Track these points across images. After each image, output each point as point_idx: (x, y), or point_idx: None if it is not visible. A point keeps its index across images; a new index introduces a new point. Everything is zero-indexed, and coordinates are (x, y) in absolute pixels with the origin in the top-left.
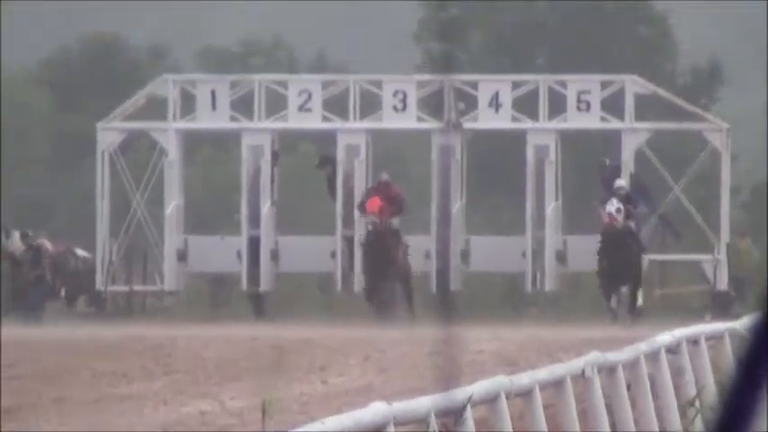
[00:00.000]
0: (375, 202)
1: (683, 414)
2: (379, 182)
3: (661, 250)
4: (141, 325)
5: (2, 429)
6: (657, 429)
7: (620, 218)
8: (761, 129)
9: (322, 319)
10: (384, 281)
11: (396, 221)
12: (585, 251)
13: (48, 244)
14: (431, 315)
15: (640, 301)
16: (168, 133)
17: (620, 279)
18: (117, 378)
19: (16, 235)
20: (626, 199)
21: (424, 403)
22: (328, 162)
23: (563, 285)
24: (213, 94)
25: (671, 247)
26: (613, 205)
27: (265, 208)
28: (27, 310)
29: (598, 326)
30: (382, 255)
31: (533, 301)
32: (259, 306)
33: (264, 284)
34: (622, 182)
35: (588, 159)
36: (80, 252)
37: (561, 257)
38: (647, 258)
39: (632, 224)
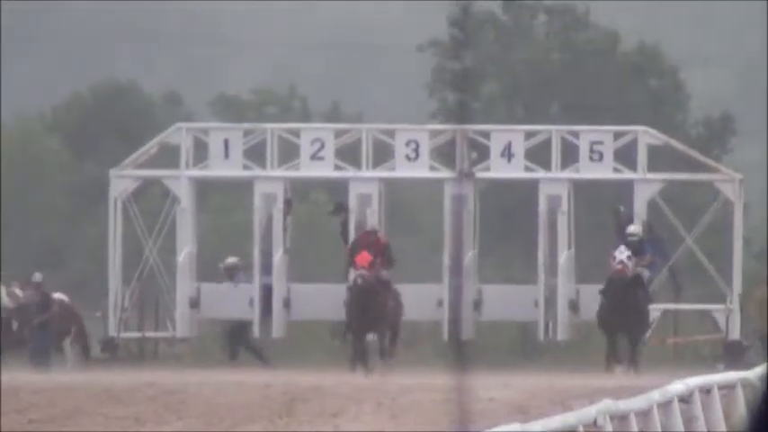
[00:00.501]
0: (365, 257)
1: None
2: (365, 232)
3: (674, 300)
4: (153, 371)
5: None
6: None
7: (631, 266)
8: None
9: (334, 366)
10: (372, 333)
11: (386, 273)
12: (598, 300)
13: (18, 291)
14: (443, 363)
15: (636, 349)
16: (181, 181)
17: (622, 327)
18: (129, 422)
19: (3, 289)
20: (638, 247)
21: None
22: (342, 209)
23: (575, 334)
24: (226, 142)
25: (678, 297)
26: (623, 253)
27: (278, 256)
28: (36, 355)
29: (611, 375)
30: (373, 309)
31: (545, 350)
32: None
33: (277, 332)
34: (635, 228)
35: (601, 209)
36: (57, 296)
37: (574, 306)
38: (658, 308)
39: (646, 272)
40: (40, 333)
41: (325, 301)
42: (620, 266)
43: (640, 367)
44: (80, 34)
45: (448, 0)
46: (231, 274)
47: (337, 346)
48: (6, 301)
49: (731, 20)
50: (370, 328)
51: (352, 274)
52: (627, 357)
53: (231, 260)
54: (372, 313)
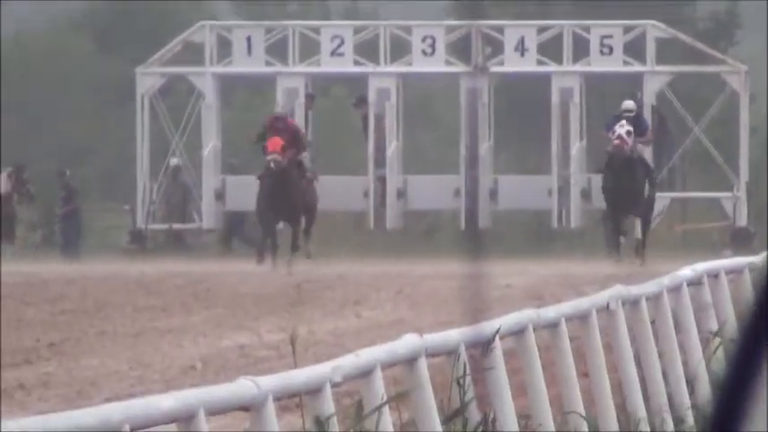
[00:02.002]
0: (276, 141)
1: (705, 346)
2: (274, 116)
3: (683, 188)
4: (181, 262)
5: (50, 362)
6: (680, 361)
7: (631, 141)
8: None
9: (357, 255)
10: (287, 219)
11: (301, 157)
12: None
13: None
14: (461, 251)
15: (644, 233)
16: (205, 78)
17: (626, 208)
18: (157, 312)
19: (3, 174)
20: (636, 123)
21: (454, 336)
22: (364, 102)
23: (588, 222)
24: (249, 40)
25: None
26: (623, 127)
27: None
28: (65, 246)
29: (626, 260)
30: (286, 193)
31: (559, 238)
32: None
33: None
34: (631, 103)
35: (611, 101)
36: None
37: (586, 195)
38: (667, 196)
39: (646, 149)
40: (67, 224)
41: (347, 192)
42: (617, 141)
43: (647, 251)
44: None
45: None
46: (175, 174)
47: (360, 236)
48: (4, 185)
49: None
50: (282, 215)
51: (265, 159)
52: (636, 242)
53: (174, 161)
54: (285, 200)
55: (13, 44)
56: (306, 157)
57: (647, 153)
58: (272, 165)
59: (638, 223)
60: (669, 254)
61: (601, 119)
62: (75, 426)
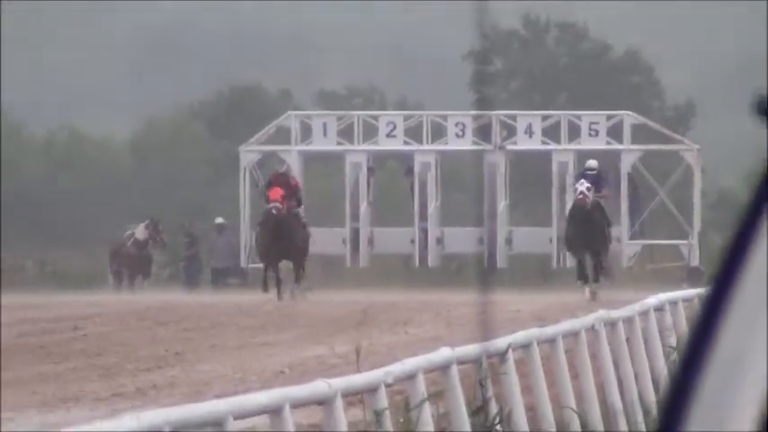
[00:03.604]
0: (277, 191)
1: (666, 356)
2: (277, 173)
3: (651, 237)
4: (273, 293)
5: (175, 368)
6: (648, 367)
7: (591, 195)
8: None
9: (405, 287)
10: (282, 259)
11: (298, 210)
12: None
13: (141, 231)
14: (483, 284)
15: (598, 268)
16: (292, 154)
17: (586, 247)
18: (255, 330)
19: (141, 226)
20: (596, 179)
21: (477, 349)
22: (411, 173)
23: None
24: (325, 125)
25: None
26: (583, 185)
27: (363, 207)
28: (187, 280)
29: (607, 291)
30: (284, 238)
31: (558, 275)
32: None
33: (363, 263)
34: (594, 163)
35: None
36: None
37: None
38: (639, 243)
39: (602, 202)
40: (189, 263)
41: (398, 239)
42: (580, 196)
43: (606, 282)
44: (217, 44)
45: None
46: (220, 229)
47: (408, 273)
48: (141, 234)
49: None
50: (282, 255)
51: (266, 207)
52: (592, 274)
53: (219, 220)
54: (284, 242)
55: (147, 127)
56: (301, 211)
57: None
58: (273, 211)
59: (594, 259)
60: (640, 286)
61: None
62: (192, 416)
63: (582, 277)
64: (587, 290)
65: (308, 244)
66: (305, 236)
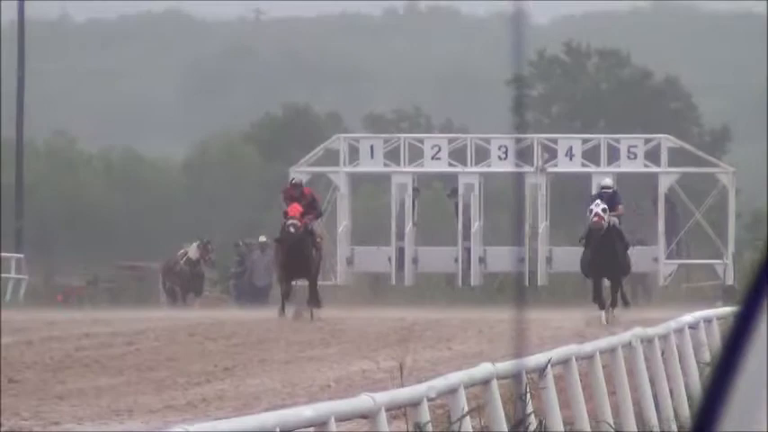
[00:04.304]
0: (296, 208)
1: (701, 372)
2: (291, 185)
3: (687, 256)
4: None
5: (224, 382)
6: (683, 383)
7: (606, 216)
8: (758, 172)
9: (448, 305)
10: (299, 276)
11: (315, 223)
12: (635, 257)
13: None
14: (524, 302)
15: (616, 291)
16: (340, 175)
17: (603, 271)
18: (303, 345)
19: (194, 245)
20: (612, 198)
21: (518, 364)
22: (455, 194)
23: None
24: (372, 147)
25: (689, 255)
26: (598, 206)
27: (408, 227)
28: (236, 296)
29: (644, 309)
30: (301, 257)
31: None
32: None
33: (407, 281)
34: (609, 181)
35: (636, 193)
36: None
37: None
38: (675, 262)
39: (616, 220)
40: (239, 281)
41: (442, 258)
42: (596, 219)
43: (623, 306)
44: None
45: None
46: (263, 247)
47: (451, 291)
48: (193, 253)
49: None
50: (298, 274)
51: (284, 223)
52: (612, 298)
53: (262, 239)
54: (300, 261)
55: (201, 149)
56: (319, 223)
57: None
58: (291, 229)
59: (614, 283)
60: (676, 305)
61: (628, 207)
62: (242, 428)
63: (597, 300)
64: (603, 315)
65: (319, 262)
66: (318, 255)
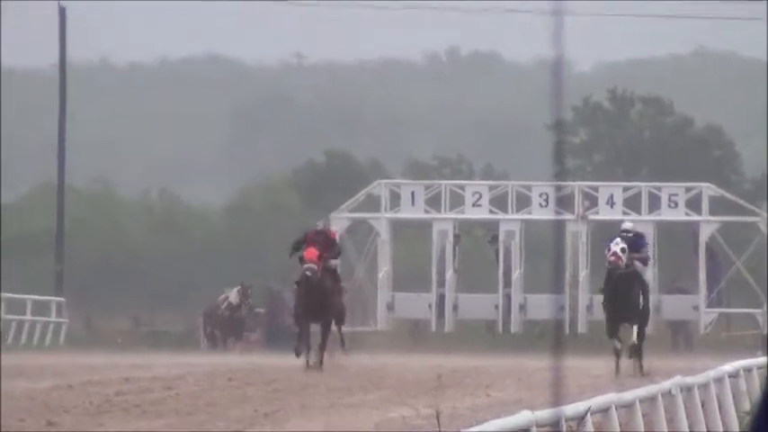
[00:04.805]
0: (312, 252)
1: (741, 422)
2: (315, 231)
3: (727, 305)
4: (361, 354)
5: (264, 427)
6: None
7: (625, 257)
8: None
9: (488, 352)
10: (315, 321)
11: (334, 263)
12: (675, 306)
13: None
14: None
15: (638, 339)
16: (381, 221)
17: (622, 317)
18: (343, 392)
19: (235, 290)
20: (633, 241)
21: (557, 412)
22: (496, 240)
23: (657, 330)
24: (413, 194)
25: (729, 304)
26: (618, 245)
27: (449, 274)
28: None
29: (683, 358)
30: (319, 301)
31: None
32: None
33: (447, 327)
34: (629, 225)
35: (676, 242)
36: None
37: (657, 310)
38: (715, 311)
39: (639, 265)
40: (272, 326)
41: (483, 305)
42: (612, 258)
43: (645, 355)
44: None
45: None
46: (277, 294)
47: (491, 338)
48: (234, 298)
49: None
50: (315, 318)
51: (302, 268)
52: (630, 347)
53: (277, 286)
54: (319, 305)
55: (242, 194)
56: (337, 264)
57: (648, 271)
58: (308, 273)
59: (634, 330)
60: (716, 354)
61: (669, 255)
62: None
63: (615, 349)
64: (615, 363)
65: (344, 306)
66: (341, 298)
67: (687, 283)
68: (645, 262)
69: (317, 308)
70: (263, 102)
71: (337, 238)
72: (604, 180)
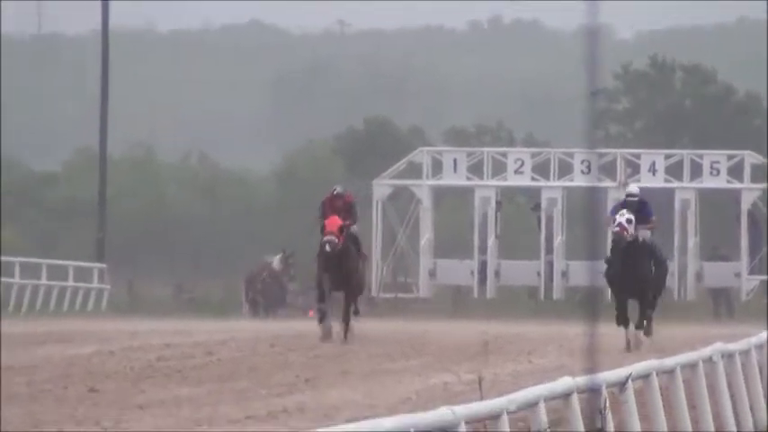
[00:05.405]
0: (334, 222)
1: None
2: (333, 195)
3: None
4: (403, 321)
5: (305, 393)
6: (763, 398)
7: (631, 228)
8: None
9: (530, 318)
10: (335, 291)
11: (355, 229)
12: (717, 273)
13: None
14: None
15: (648, 311)
16: (423, 188)
17: (629, 291)
18: (385, 358)
19: (278, 257)
20: (639, 208)
21: (598, 378)
22: (538, 207)
23: (699, 296)
24: (455, 161)
25: None
26: (623, 215)
27: (491, 240)
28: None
29: (726, 325)
30: (340, 273)
31: (679, 308)
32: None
33: (490, 294)
34: (635, 188)
35: (717, 209)
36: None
37: (699, 277)
38: (757, 278)
39: (648, 233)
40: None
41: (524, 272)
42: (617, 229)
43: (685, 322)
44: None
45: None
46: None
47: (533, 304)
48: (277, 265)
49: None
50: (337, 288)
51: (322, 239)
52: (638, 318)
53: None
54: (340, 277)
55: (286, 161)
56: (355, 228)
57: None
58: (327, 248)
59: (640, 301)
60: (757, 321)
61: (711, 222)
62: None
63: (622, 322)
64: (625, 337)
65: (364, 273)
66: (362, 266)
67: (729, 251)
68: (652, 230)
69: (339, 279)
70: (305, 69)
71: (354, 201)
72: (646, 147)
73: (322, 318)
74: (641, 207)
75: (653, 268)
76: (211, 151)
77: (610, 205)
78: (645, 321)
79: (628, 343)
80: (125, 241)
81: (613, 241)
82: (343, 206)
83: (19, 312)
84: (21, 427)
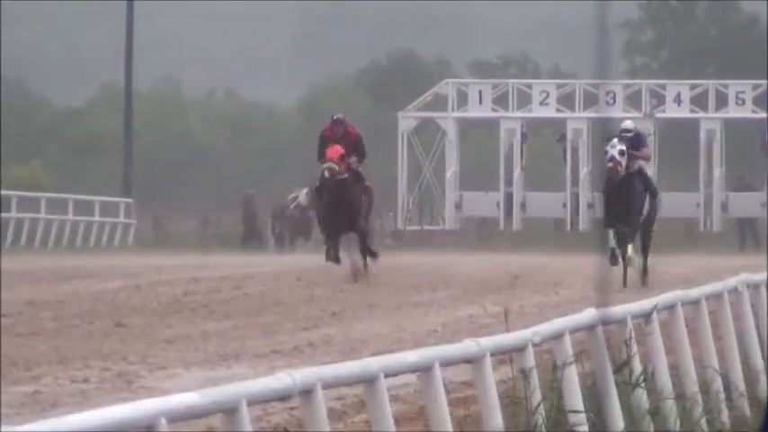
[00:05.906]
0: (336, 149)
1: None
2: (333, 121)
3: None
4: (429, 254)
5: (331, 327)
6: None
7: (624, 161)
8: None
9: (556, 250)
10: (344, 231)
11: (359, 167)
12: (743, 203)
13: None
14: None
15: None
16: (448, 120)
17: (619, 221)
18: (411, 290)
19: (304, 191)
20: (634, 141)
21: (623, 309)
22: (564, 138)
23: (726, 227)
24: (480, 93)
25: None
26: (615, 147)
27: (516, 172)
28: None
29: (752, 256)
30: (346, 207)
31: (704, 239)
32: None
33: (515, 226)
34: (629, 123)
35: (743, 139)
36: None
37: (724, 207)
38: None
39: (643, 164)
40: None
41: (550, 204)
42: (611, 164)
43: (713, 252)
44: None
45: None
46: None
47: (559, 236)
48: (303, 199)
49: None
50: (344, 227)
51: (321, 168)
52: (621, 250)
53: (251, 191)
54: (346, 212)
55: (310, 94)
56: (360, 169)
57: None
58: (326, 174)
59: (626, 234)
60: None
61: (736, 152)
62: (346, 373)
63: (613, 259)
64: (623, 274)
65: (370, 209)
66: (367, 201)
67: (754, 180)
68: (647, 159)
69: (344, 216)
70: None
71: (361, 135)
72: (671, 78)
73: (328, 255)
74: (635, 141)
75: (647, 199)
76: (236, 86)
77: None
78: (625, 252)
79: (625, 279)
80: (151, 176)
81: (606, 176)
82: (347, 137)
83: (45, 248)
84: (47, 361)
